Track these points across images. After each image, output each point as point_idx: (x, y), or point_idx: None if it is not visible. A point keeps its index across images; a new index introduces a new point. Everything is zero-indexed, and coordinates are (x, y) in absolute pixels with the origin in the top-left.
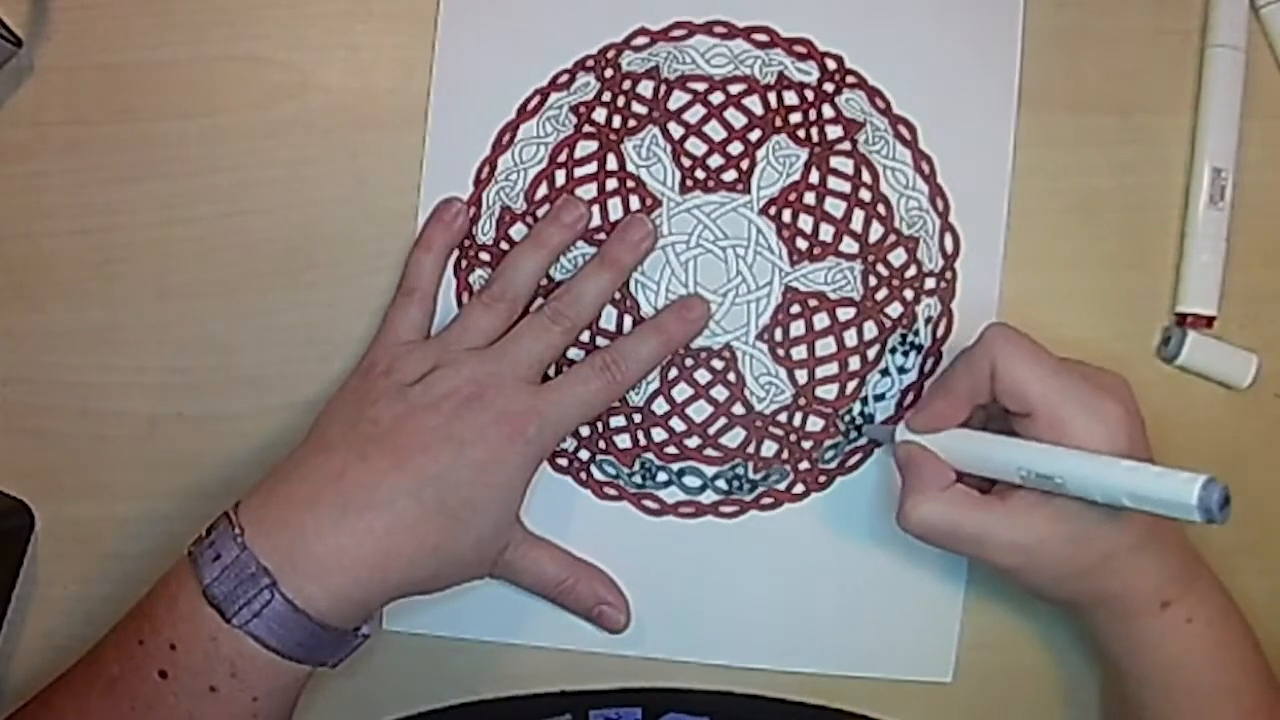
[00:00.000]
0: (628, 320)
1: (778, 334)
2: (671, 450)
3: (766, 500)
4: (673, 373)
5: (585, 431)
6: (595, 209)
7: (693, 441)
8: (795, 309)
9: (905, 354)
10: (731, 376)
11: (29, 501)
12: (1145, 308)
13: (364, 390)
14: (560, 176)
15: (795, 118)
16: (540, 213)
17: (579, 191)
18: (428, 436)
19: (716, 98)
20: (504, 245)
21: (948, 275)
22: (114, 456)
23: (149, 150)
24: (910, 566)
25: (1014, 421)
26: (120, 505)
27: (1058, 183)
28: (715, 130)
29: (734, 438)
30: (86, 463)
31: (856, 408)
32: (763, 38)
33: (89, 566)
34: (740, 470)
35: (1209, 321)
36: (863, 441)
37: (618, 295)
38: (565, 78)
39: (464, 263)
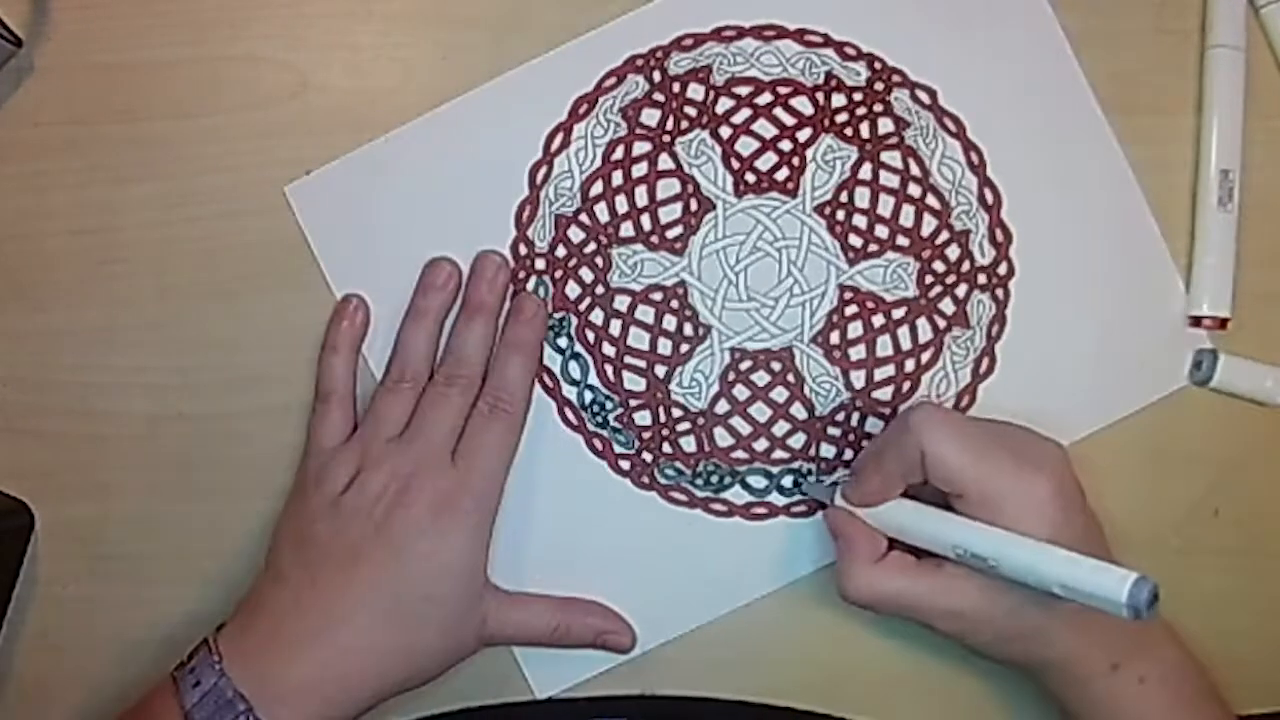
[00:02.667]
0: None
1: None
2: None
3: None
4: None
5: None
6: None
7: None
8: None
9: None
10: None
11: (29, 501)
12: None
13: (302, 509)
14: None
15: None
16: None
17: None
18: (368, 545)
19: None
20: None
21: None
22: (114, 456)
23: (149, 150)
24: None
25: (949, 498)
26: (120, 505)
27: (1057, 182)
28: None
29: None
30: (86, 463)
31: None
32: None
33: (89, 566)
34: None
35: (1223, 323)
36: None
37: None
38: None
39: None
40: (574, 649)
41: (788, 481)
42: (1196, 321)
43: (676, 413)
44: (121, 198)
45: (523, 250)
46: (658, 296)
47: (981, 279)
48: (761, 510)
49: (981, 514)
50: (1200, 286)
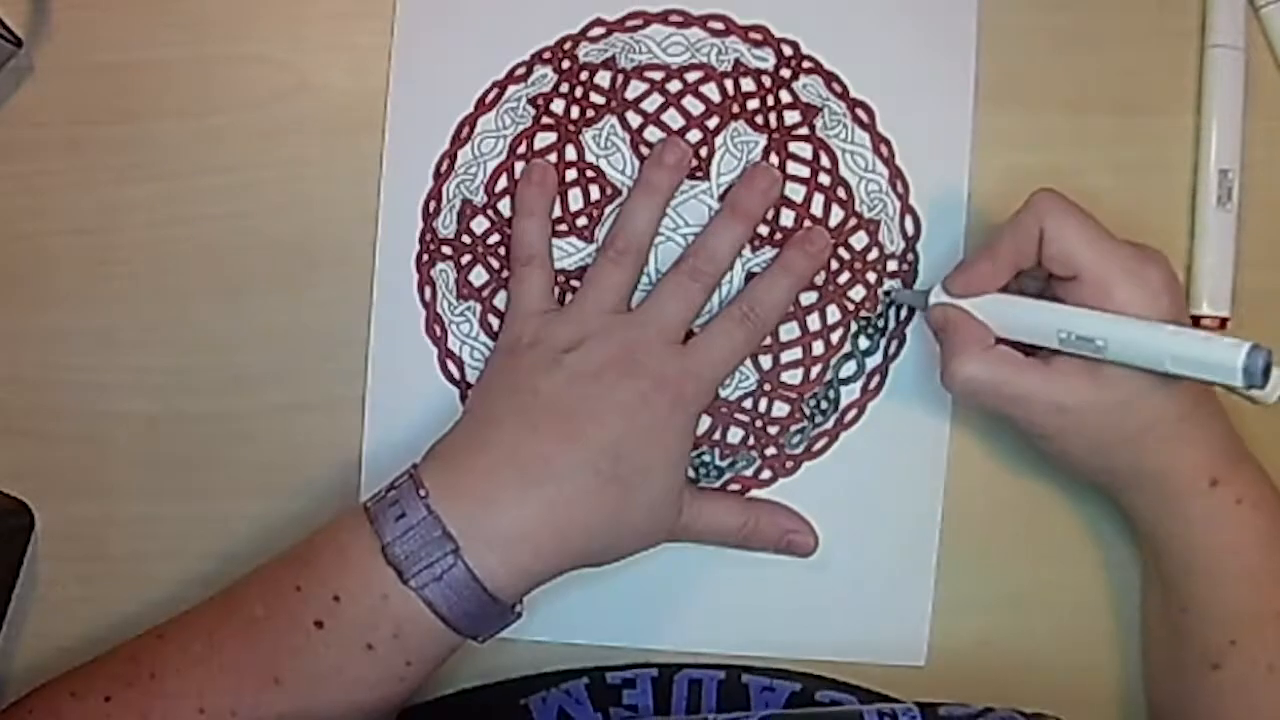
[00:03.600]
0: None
1: None
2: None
3: (734, 487)
4: None
5: None
6: (558, 200)
7: None
8: None
9: (870, 337)
10: None
11: (29, 501)
12: None
13: (515, 364)
14: (520, 168)
15: (753, 104)
16: (501, 205)
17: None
18: (595, 405)
19: (674, 86)
20: (465, 239)
21: (909, 257)
22: (114, 456)
23: (149, 150)
24: (880, 550)
25: (1056, 287)
26: (120, 505)
27: (1057, 183)
28: (674, 118)
29: (700, 425)
30: (86, 463)
31: (822, 392)
32: (718, 25)
33: (89, 566)
34: (707, 457)
35: (1222, 323)
36: (829, 425)
37: (564, 281)
38: (522, 70)
39: (425, 257)
40: (757, 550)
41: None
42: (1196, 321)
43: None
44: (121, 198)
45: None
46: (562, 280)
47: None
48: None
49: (1092, 299)
50: (1199, 286)
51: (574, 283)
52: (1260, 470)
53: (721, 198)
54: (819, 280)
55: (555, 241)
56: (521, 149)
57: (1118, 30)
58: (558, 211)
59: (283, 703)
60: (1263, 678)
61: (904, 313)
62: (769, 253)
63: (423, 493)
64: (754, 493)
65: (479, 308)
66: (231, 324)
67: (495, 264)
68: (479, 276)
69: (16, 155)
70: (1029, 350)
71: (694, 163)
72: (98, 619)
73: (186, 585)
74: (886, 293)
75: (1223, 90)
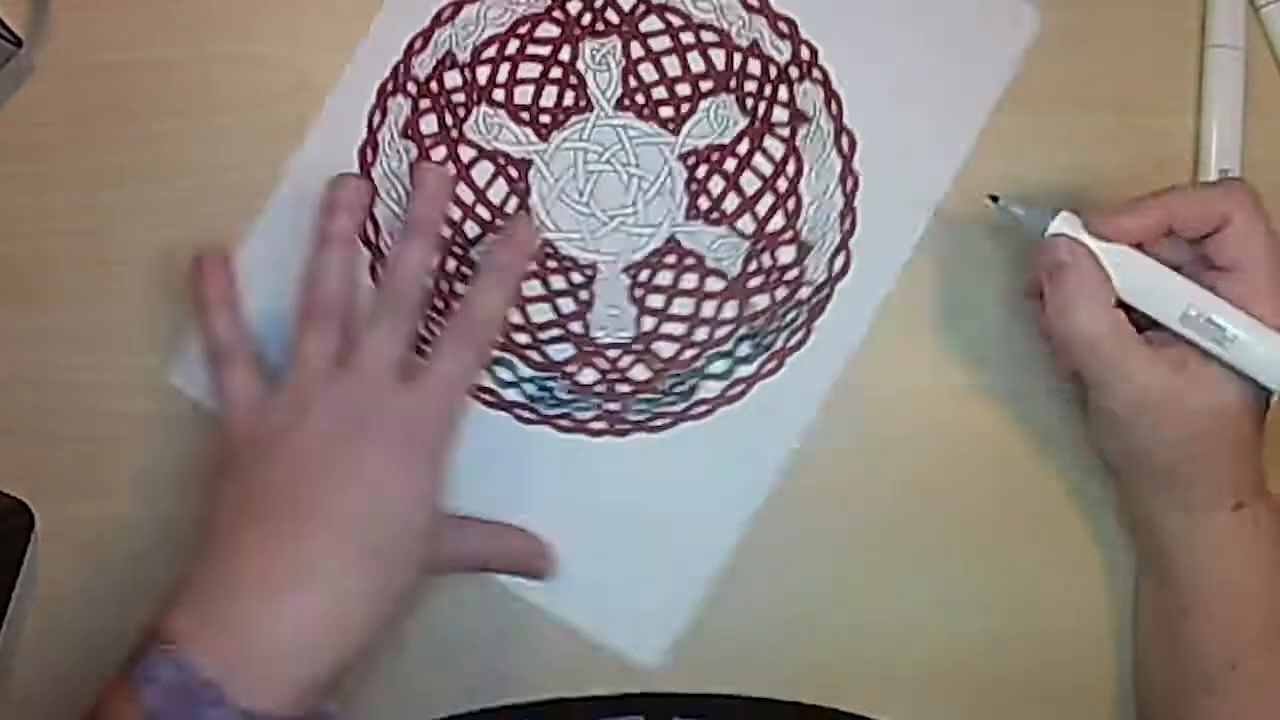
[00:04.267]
0: (513, 201)
1: (644, 274)
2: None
3: (563, 423)
4: (533, 265)
5: None
6: (533, 90)
7: (521, 338)
8: (670, 259)
9: (754, 346)
10: (584, 295)
11: (29, 501)
12: None
13: (237, 464)
14: (513, 45)
15: (750, 86)
16: (480, 72)
17: (523, 68)
18: (328, 490)
19: (687, 37)
20: (433, 85)
21: (824, 292)
22: (114, 456)
23: (149, 150)
24: (664, 543)
25: (1202, 275)
26: (120, 505)
27: (1057, 183)
28: (673, 65)
29: (560, 352)
30: (86, 463)
31: (685, 375)
32: (754, 2)
33: (89, 566)
34: (552, 385)
35: None
36: (676, 408)
37: (514, 174)
38: None
39: (390, 86)
40: (498, 572)
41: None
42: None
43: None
44: (121, 198)
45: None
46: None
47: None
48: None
49: (1235, 295)
50: None
51: (512, 170)
52: (1275, 503)
53: (682, 157)
54: (733, 271)
55: (509, 124)
56: (523, 30)
57: (1118, 30)
58: (521, 99)
59: None
60: (1261, 707)
61: (794, 341)
62: (699, 227)
63: (170, 646)
64: (579, 438)
65: (415, 150)
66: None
67: (449, 121)
68: (429, 125)
69: (16, 155)
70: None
71: (670, 114)
72: (98, 619)
73: None
74: (994, 198)
75: (1222, 90)
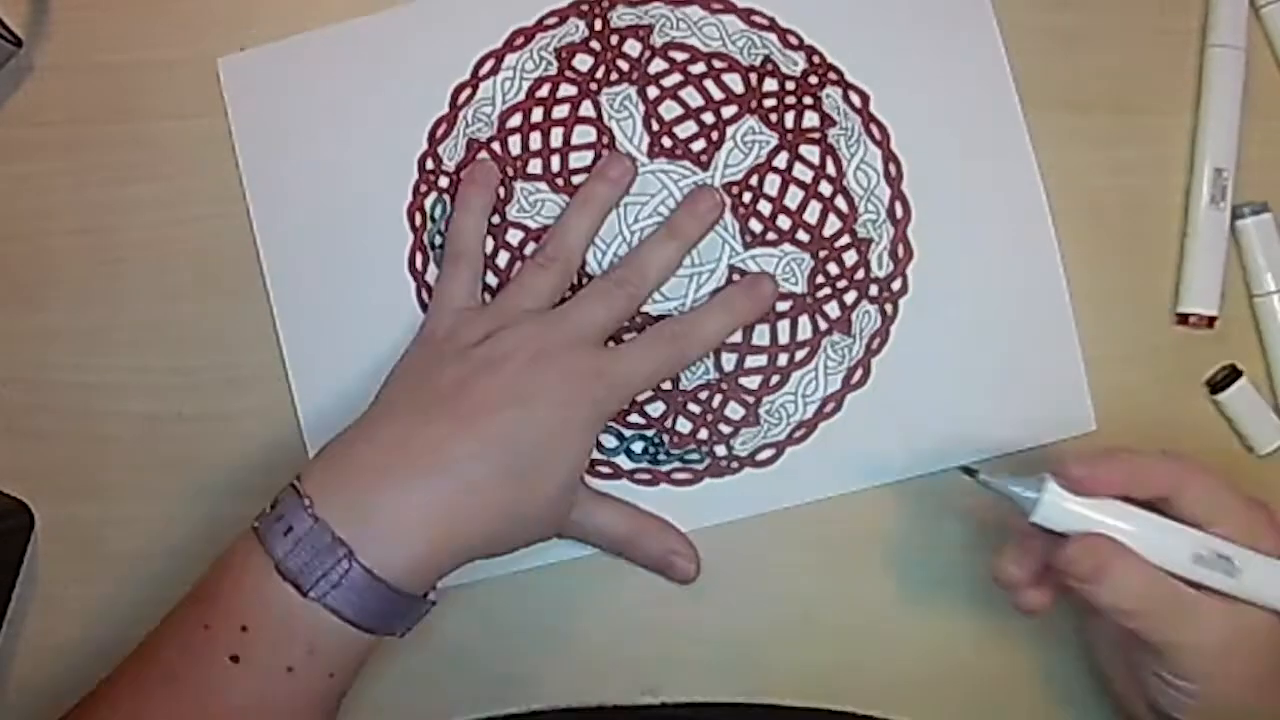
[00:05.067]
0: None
1: None
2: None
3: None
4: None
5: None
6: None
7: None
8: None
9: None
10: None
11: (29, 501)
12: (1146, 308)
13: (425, 357)
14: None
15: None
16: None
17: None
18: (492, 397)
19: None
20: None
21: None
22: (114, 456)
23: (149, 150)
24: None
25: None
26: (120, 505)
27: (1057, 182)
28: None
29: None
30: (86, 463)
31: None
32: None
33: (89, 566)
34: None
35: (1210, 321)
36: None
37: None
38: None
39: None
40: (638, 562)
41: (638, 447)
42: (1184, 319)
43: None
44: (121, 198)
45: (429, 165)
46: (540, 237)
47: (873, 290)
48: (606, 470)
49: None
50: (1189, 284)
51: None
52: None
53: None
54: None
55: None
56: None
57: (1118, 30)
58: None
59: None
60: None
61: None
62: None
63: (306, 501)
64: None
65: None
66: (231, 324)
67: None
68: None
69: (16, 155)
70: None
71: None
72: (98, 619)
73: (186, 585)
74: (969, 471)
75: (1222, 90)
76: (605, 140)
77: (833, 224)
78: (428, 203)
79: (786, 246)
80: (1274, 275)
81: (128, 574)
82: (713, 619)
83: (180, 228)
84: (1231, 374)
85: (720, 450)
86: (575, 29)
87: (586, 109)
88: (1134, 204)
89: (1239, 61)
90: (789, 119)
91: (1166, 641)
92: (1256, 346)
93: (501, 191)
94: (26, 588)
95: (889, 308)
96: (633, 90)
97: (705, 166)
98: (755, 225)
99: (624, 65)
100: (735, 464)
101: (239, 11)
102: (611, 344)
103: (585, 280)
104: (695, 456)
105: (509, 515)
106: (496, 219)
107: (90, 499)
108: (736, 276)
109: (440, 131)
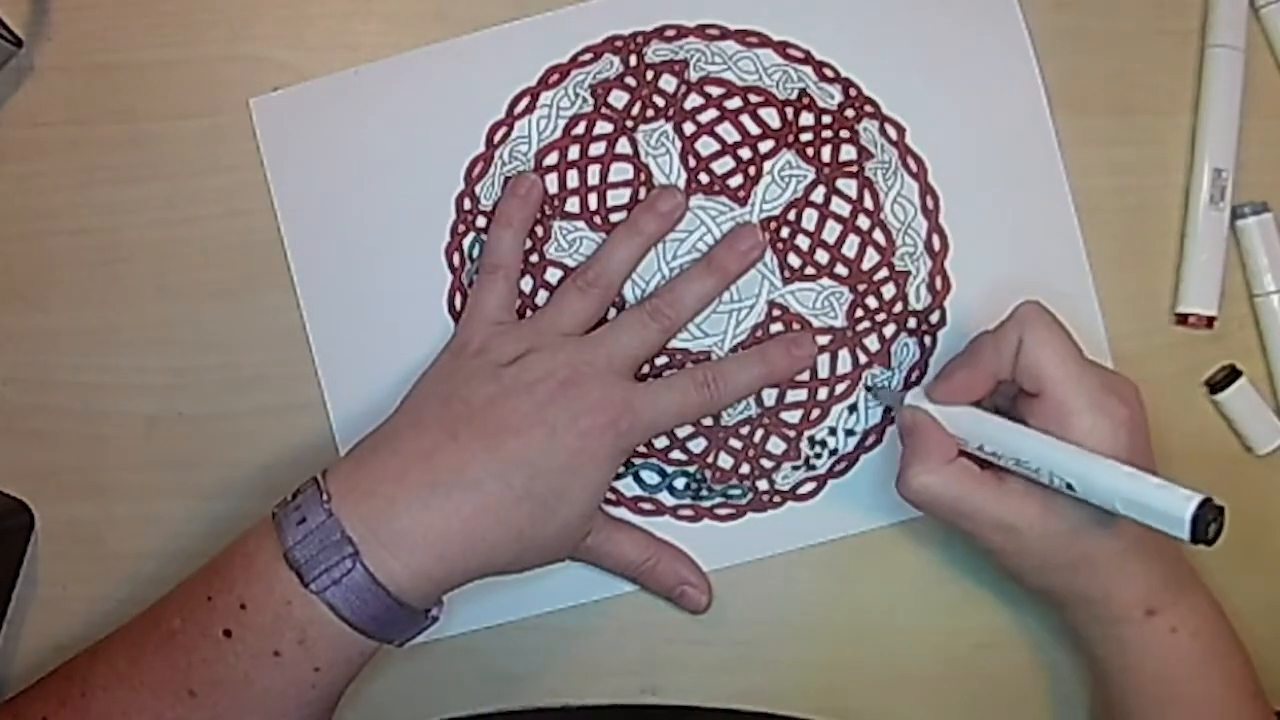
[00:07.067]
0: (611, 312)
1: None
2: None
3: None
4: (645, 369)
5: None
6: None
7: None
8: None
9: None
10: None
11: (29, 501)
12: (1145, 308)
13: (457, 368)
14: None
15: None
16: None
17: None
18: (520, 420)
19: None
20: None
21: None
22: (114, 456)
23: (149, 150)
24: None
25: (1021, 403)
26: (120, 505)
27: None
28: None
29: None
30: (86, 463)
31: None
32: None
33: (89, 566)
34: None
35: (1209, 322)
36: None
37: (614, 310)
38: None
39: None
40: (651, 592)
41: (680, 483)
42: (1183, 319)
43: None
44: (121, 198)
45: (467, 204)
46: None
47: (911, 323)
48: (649, 506)
49: (1052, 423)
50: (1189, 284)
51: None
52: (1205, 600)
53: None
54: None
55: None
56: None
57: (1118, 30)
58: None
59: (198, 716)
60: None
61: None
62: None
63: (325, 497)
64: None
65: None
66: (231, 324)
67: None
68: None
69: (16, 155)
70: (986, 464)
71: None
72: (98, 619)
73: None
74: (868, 387)
75: (1222, 90)
76: (643, 178)
77: (871, 257)
78: (465, 242)
79: (825, 281)
80: (1274, 275)
81: (128, 574)
82: (713, 619)
83: (180, 228)
84: (1231, 374)
85: (762, 485)
86: (610, 65)
87: (623, 146)
88: (1134, 204)
89: (1239, 62)
90: (826, 152)
91: (966, 514)
92: (1256, 346)
93: (539, 230)
94: (26, 588)
95: (928, 340)
96: (669, 126)
97: (743, 202)
98: (794, 260)
99: (660, 101)
100: (777, 498)
101: (239, 11)
102: (645, 368)
103: (620, 310)
104: (737, 491)
105: (523, 537)
106: (535, 258)
107: (90, 499)
108: (776, 312)
109: (477, 171)
